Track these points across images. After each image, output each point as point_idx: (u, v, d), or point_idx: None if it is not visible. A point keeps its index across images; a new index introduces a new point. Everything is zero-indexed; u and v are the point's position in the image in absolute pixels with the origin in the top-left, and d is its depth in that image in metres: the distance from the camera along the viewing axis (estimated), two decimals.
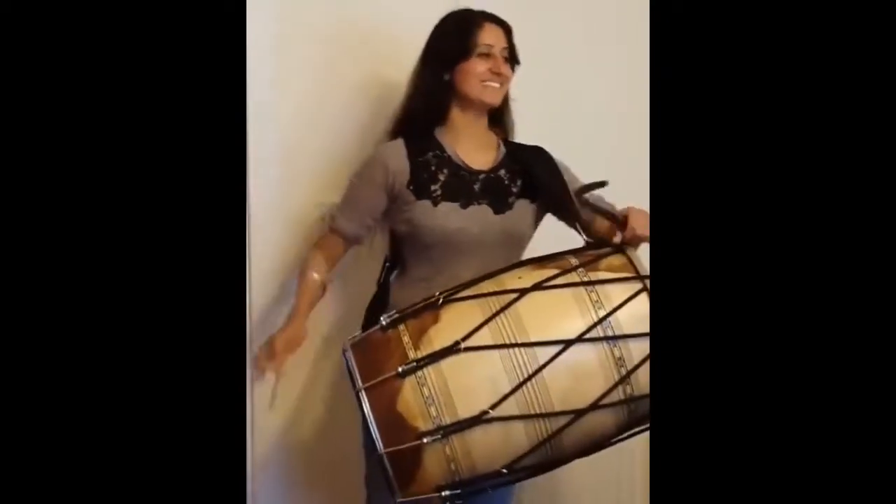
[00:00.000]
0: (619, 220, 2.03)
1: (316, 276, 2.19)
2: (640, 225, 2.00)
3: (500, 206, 2.16)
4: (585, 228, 2.17)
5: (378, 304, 2.16)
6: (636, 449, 2.10)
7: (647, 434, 1.90)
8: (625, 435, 1.98)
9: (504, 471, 1.92)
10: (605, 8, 2.78)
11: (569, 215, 2.21)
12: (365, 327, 2.10)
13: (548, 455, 1.93)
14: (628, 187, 2.03)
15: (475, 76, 2.14)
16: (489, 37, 2.15)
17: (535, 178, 2.21)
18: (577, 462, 1.99)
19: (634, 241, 2.02)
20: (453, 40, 2.15)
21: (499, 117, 2.26)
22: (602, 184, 2.05)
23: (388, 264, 2.22)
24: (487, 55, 2.15)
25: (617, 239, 2.02)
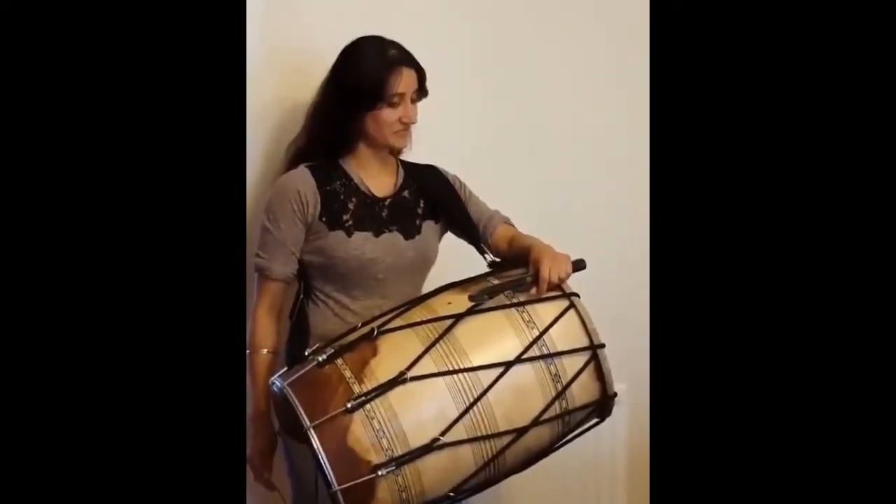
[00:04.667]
0: (530, 281, 2.04)
1: (265, 351, 2.15)
2: (552, 273, 2.01)
3: (410, 231, 2.19)
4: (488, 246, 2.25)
5: (298, 337, 2.14)
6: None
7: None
8: (556, 446, 2.07)
9: (451, 494, 1.96)
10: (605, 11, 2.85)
11: (468, 233, 2.27)
12: (290, 362, 2.07)
13: (491, 474, 1.99)
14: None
15: (387, 125, 2.14)
16: (402, 84, 2.12)
17: (433, 199, 2.25)
18: None
19: (553, 288, 2.03)
20: (363, 85, 2.11)
21: None
22: (582, 266, 2.07)
23: (300, 296, 2.20)
24: (398, 103, 2.13)
25: (533, 292, 2.03)
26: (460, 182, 2.32)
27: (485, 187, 2.33)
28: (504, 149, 2.72)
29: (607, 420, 2.13)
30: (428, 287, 2.20)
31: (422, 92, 2.19)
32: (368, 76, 2.12)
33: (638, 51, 2.41)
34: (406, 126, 2.16)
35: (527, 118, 2.76)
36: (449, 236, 2.30)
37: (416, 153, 2.29)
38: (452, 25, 2.64)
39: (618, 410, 2.15)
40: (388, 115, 2.14)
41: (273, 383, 2.00)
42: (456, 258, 2.27)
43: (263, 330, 2.17)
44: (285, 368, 2.04)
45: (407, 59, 2.15)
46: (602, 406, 2.06)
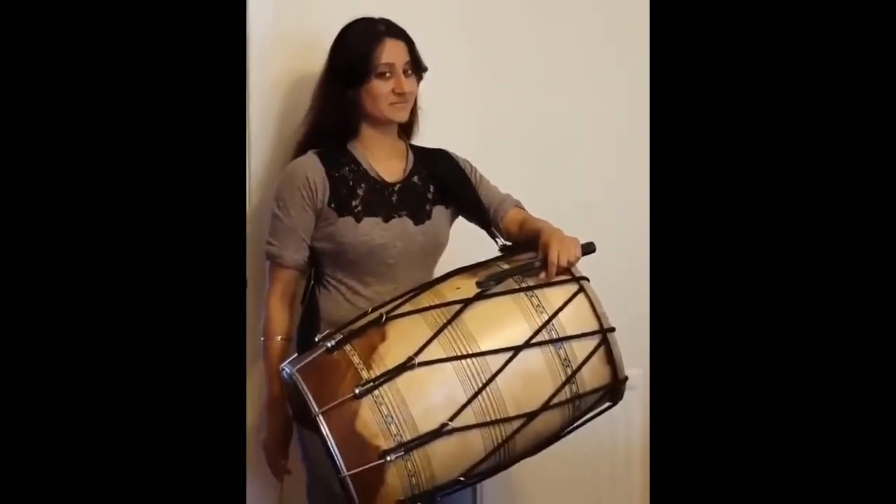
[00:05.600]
0: (538, 266, 2.02)
1: (279, 338, 2.16)
2: (561, 257, 2.00)
3: (420, 217, 2.19)
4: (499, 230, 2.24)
5: (309, 323, 2.14)
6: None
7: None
8: (567, 430, 2.06)
9: (462, 478, 1.96)
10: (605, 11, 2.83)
11: (479, 218, 2.26)
12: (301, 348, 2.08)
13: (501, 458, 1.98)
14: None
15: (380, 98, 2.13)
16: (389, 55, 2.13)
17: (443, 183, 2.25)
18: None
19: (563, 272, 2.02)
20: (352, 61, 2.13)
21: (406, 124, 2.27)
22: (591, 249, 2.06)
23: (311, 283, 2.20)
24: (388, 74, 2.13)
25: (542, 277, 2.01)
26: (471, 166, 2.31)
27: None
28: (504, 149, 2.69)
29: (622, 405, 2.11)
30: (440, 272, 2.19)
31: (417, 65, 2.18)
32: (356, 51, 2.13)
33: (638, 51, 2.39)
34: (401, 97, 2.15)
35: (527, 117, 2.74)
36: (461, 220, 2.29)
37: None
38: (452, 25, 2.62)
39: (632, 395, 2.14)
40: (379, 86, 2.13)
41: (283, 369, 2.01)
42: (468, 242, 2.26)
43: (277, 317, 2.17)
44: (296, 354, 2.05)
45: (393, 31, 2.16)
46: (613, 390, 2.05)
